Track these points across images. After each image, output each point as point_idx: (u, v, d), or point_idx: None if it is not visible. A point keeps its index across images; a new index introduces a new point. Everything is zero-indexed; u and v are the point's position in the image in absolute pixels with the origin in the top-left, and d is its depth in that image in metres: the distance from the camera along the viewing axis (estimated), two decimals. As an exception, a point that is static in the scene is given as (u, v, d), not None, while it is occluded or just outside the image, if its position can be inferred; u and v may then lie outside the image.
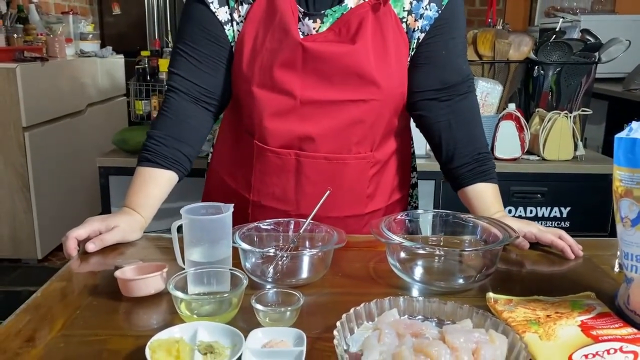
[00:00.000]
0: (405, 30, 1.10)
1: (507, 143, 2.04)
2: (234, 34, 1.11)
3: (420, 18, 1.09)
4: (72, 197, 3.24)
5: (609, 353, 0.66)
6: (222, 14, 1.10)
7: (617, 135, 0.73)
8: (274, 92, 1.07)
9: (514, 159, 2.05)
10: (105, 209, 2.12)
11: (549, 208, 2.07)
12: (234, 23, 1.11)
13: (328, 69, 1.06)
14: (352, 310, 0.72)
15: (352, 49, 1.05)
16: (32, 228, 2.90)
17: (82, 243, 0.99)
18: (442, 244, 1.00)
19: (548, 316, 0.75)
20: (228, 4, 1.10)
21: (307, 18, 1.07)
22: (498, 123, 2.03)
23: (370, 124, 1.10)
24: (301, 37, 1.06)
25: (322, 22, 1.07)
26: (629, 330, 0.71)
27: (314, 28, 1.07)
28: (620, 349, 0.66)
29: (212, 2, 1.10)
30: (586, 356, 0.65)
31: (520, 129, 2.04)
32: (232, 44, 1.12)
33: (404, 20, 1.09)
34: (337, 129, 1.09)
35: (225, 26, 1.11)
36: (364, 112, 1.08)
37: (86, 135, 3.43)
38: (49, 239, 2.98)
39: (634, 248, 0.72)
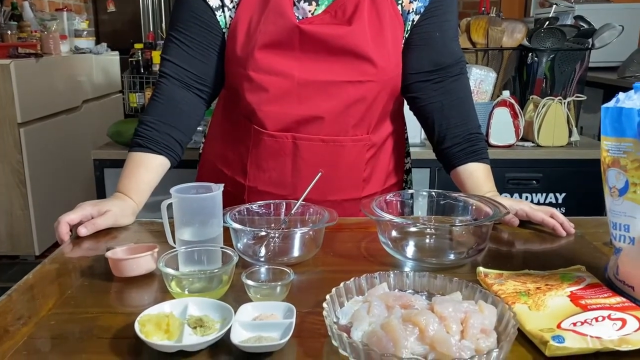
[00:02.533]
0: (400, 12, 1.10)
1: (501, 130, 2.04)
2: (225, 20, 1.11)
3: (415, 0, 1.10)
4: (69, 193, 3.23)
5: (597, 320, 0.66)
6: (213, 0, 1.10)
7: (604, 105, 0.73)
8: (272, 74, 1.08)
9: (509, 146, 2.05)
10: (101, 202, 2.12)
11: (544, 194, 2.07)
12: (226, 9, 1.11)
13: (326, 51, 1.06)
14: (342, 285, 0.72)
15: (349, 30, 1.06)
16: (29, 224, 2.90)
17: (74, 228, 0.99)
18: (433, 222, 1.00)
19: (538, 288, 0.76)
20: None
21: (302, 1, 1.08)
22: (492, 110, 2.03)
23: (368, 105, 1.11)
24: (297, 20, 1.07)
25: (318, 5, 1.08)
26: (618, 299, 0.71)
27: (309, 11, 1.08)
28: (609, 317, 0.66)
29: None
30: (574, 324, 0.66)
31: (514, 115, 2.04)
32: (224, 30, 1.12)
33: (399, 2, 1.10)
34: (335, 110, 1.09)
35: (216, 12, 1.11)
36: (362, 94, 1.09)
37: (82, 131, 3.43)
38: (46, 235, 2.98)
39: (622, 218, 0.73)
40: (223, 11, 1.11)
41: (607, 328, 0.64)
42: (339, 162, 1.13)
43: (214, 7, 1.10)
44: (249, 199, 1.16)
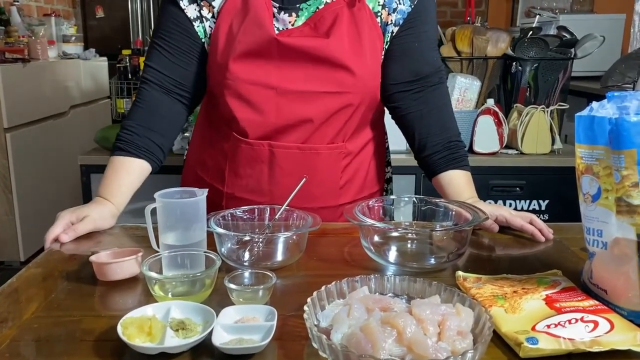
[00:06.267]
0: (379, 24, 1.12)
1: (485, 138, 2.06)
2: (205, 30, 1.13)
3: (394, 12, 1.12)
4: (55, 199, 3.22)
5: (570, 323, 0.68)
6: (191, 11, 1.12)
7: (578, 114, 0.75)
8: (250, 83, 1.09)
9: (493, 153, 2.08)
10: (87, 208, 2.11)
11: (527, 201, 2.10)
12: (204, 19, 1.12)
13: (304, 62, 1.08)
14: (323, 288, 0.73)
15: (327, 42, 1.07)
16: (14, 230, 2.88)
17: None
18: (414, 227, 1.02)
19: (514, 292, 0.77)
20: (197, 1, 1.12)
21: (282, 12, 1.09)
22: (477, 118, 2.06)
23: (345, 116, 1.12)
24: (277, 32, 1.08)
25: (298, 16, 1.10)
26: (592, 302, 0.73)
27: (289, 22, 1.09)
28: (582, 319, 0.68)
29: (181, 0, 1.12)
30: (548, 326, 0.67)
31: (498, 123, 2.07)
32: (204, 40, 1.14)
33: (379, 14, 1.12)
34: (313, 120, 1.10)
35: (194, 23, 1.13)
36: (340, 104, 1.10)
37: (69, 136, 3.41)
38: (32, 241, 2.96)
39: (595, 223, 0.75)
40: (201, 22, 1.13)
41: (580, 330, 0.66)
42: (315, 169, 1.14)
43: (191, 18, 1.13)
44: (227, 205, 1.17)
